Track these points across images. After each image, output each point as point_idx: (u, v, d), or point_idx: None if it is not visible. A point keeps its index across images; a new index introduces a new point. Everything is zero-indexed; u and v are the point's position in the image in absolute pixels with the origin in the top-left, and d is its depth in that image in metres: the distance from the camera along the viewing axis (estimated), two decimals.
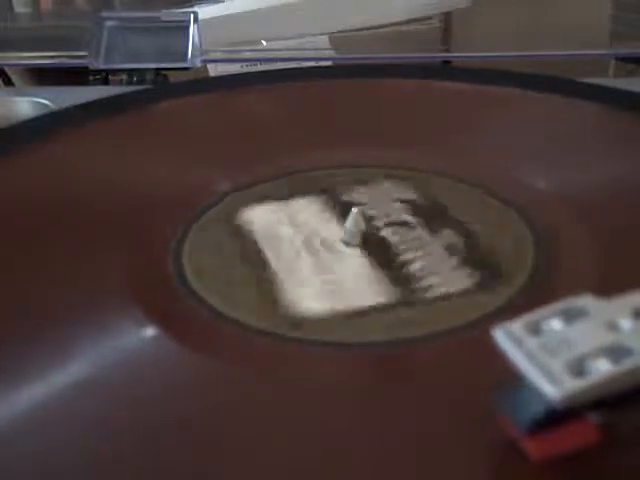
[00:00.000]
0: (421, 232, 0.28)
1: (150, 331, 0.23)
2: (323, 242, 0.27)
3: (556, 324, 0.18)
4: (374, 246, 0.27)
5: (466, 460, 0.19)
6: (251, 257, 0.27)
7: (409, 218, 0.28)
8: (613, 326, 0.18)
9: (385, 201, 0.29)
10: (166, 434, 0.20)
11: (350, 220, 0.27)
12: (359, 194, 0.30)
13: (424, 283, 0.25)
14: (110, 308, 0.24)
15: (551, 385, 0.17)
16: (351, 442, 0.20)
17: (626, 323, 0.18)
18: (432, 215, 0.29)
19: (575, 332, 0.18)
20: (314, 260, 0.26)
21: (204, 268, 0.26)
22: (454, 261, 0.26)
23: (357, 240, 0.27)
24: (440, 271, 0.26)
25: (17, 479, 0.19)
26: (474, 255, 0.26)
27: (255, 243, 0.27)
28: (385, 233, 0.28)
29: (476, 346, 0.21)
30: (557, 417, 0.17)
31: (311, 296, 0.25)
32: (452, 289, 0.25)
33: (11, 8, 0.61)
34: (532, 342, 0.18)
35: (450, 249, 0.27)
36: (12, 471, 0.19)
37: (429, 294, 0.25)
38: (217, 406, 0.21)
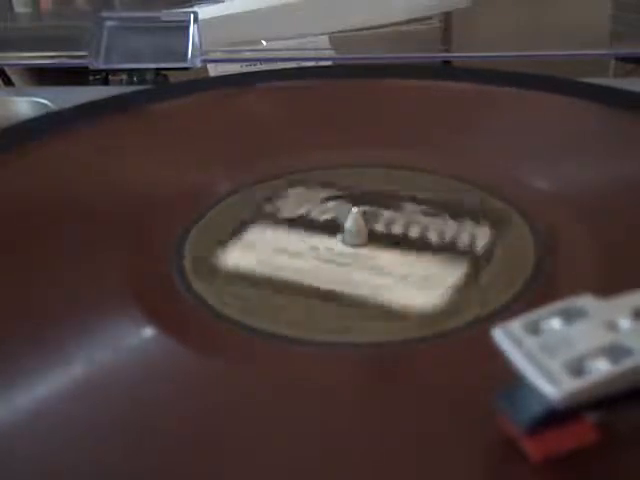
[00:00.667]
0: (389, 213, 0.28)
1: (150, 331, 0.23)
2: (335, 253, 0.27)
3: (555, 324, 0.18)
4: (378, 238, 0.27)
5: (466, 460, 0.19)
6: (273, 283, 0.26)
7: (363, 207, 0.28)
8: (612, 326, 0.18)
9: (320, 203, 0.29)
10: (166, 434, 0.20)
11: (350, 220, 0.27)
12: (290, 207, 0.29)
13: (461, 244, 0.26)
14: (110, 308, 0.24)
15: (550, 385, 0.17)
16: (351, 442, 0.20)
17: (625, 323, 0.18)
18: (374, 199, 0.29)
19: (574, 332, 0.18)
20: (355, 269, 0.26)
21: (204, 268, 0.26)
22: (449, 220, 0.27)
23: (363, 238, 0.27)
24: (457, 230, 0.27)
25: (17, 479, 0.19)
26: (458, 211, 0.27)
27: (262, 274, 0.26)
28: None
29: (476, 346, 0.21)
30: (556, 417, 0.17)
31: (412, 295, 0.24)
32: (487, 239, 0.26)
33: (11, 8, 0.61)
34: (531, 342, 0.18)
35: (431, 214, 0.28)
36: (12, 471, 0.19)
37: (479, 250, 0.26)
38: (217, 406, 0.21)
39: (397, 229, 0.27)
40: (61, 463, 0.19)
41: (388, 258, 0.26)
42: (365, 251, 0.27)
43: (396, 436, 0.20)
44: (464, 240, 0.27)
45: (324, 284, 0.25)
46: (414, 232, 0.27)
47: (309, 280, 0.25)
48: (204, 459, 0.19)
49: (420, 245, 0.27)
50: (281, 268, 0.26)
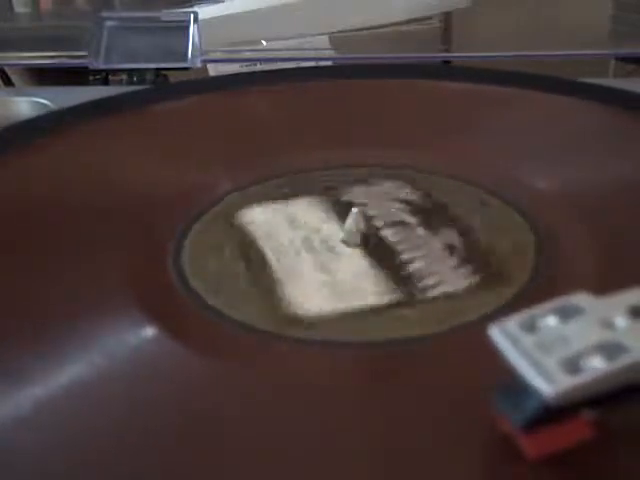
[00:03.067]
0: (421, 232, 0.28)
1: (150, 331, 0.23)
2: (323, 242, 0.27)
3: (551, 322, 0.18)
4: (374, 246, 0.27)
5: (465, 459, 0.19)
6: (251, 257, 0.27)
7: (408, 218, 0.28)
8: (608, 324, 0.18)
9: (384, 201, 0.29)
10: (166, 434, 0.20)
11: (350, 220, 0.27)
12: (358, 194, 0.30)
13: (424, 283, 0.25)
14: (110, 308, 0.24)
15: (545, 382, 0.17)
16: (351, 442, 0.20)
17: (621, 321, 0.18)
18: (432, 215, 0.29)
19: (570, 330, 0.18)
20: (314, 260, 0.26)
21: (204, 268, 0.26)
22: (454, 261, 0.26)
23: (357, 240, 0.27)
24: (440, 271, 0.26)
25: (17, 479, 0.19)
26: (474, 255, 0.26)
27: (255, 243, 0.27)
28: (385, 233, 0.28)
29: (476, 346, 0.21)
30: (552, 414, 0.17)
31: (312, 296, 0.25)
32: (452, 289, 0.25)
33: (11, 8, 0.61)
34: (527, 340, 0.18)
35: (450, 249, 0.27)
36: (13, 471, 0.19)
37: (429, 294, 0.25)
38: (217, 406, 0.21)
39: (400, 247, 0.27)
40: (61, 463, 0.19)
41: (349, 264, 0.26)
42: (345, 250, 0.27)
43: (396, 436, 0.20)
44: (430, 282, 0.25)
45: (276, 261, 0.26)
46: (407, 256, 0.27)
47: (271, 254, 0.27)
48: (204, 459, 0.19)
49: (392, 269, 0.26)
50: (267, 233, 0.28)
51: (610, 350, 0.17)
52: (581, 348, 0.17)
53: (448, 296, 0.25)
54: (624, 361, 0.17)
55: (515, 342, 0.18)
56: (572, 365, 0.17)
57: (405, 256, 0.26)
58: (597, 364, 0.17)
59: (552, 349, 0.17)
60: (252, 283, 0.25)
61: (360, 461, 0.19)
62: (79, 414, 0.21)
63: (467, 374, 0.21)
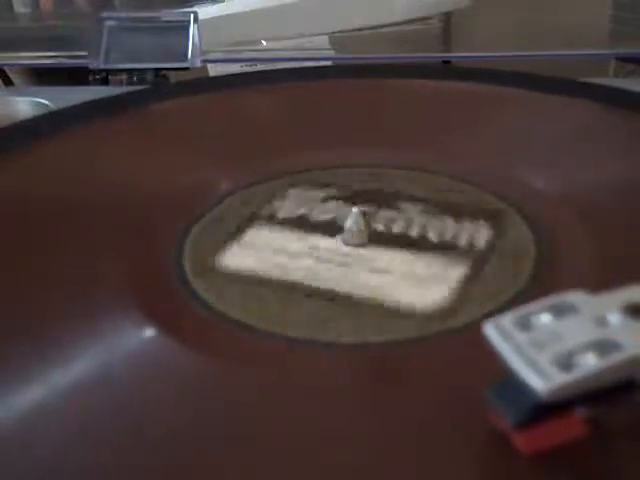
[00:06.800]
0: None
1: (150, 331, 0.23)
2: (332, 251, 0.27)
3: (545, 319, 0.18)
4: (376, 238, 0.27)
5: (463, 457, 0.19)
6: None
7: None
8: (602, 321, 0.18)
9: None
10: (166, 434, 0.20)
11: (350, 220, 0.27)
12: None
13: (461, 242, 0.26)
14: (110, 308, 0.24)
15: (538, 378, 0.17)
16: (351, 441, 0.20)
17: (615, 318, 0.18)
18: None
19: (564, 327, 0.18)
20: (346, 267, 0.26)
21: (205, 268, 0.26)
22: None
23: (362, 239, 0.27)
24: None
25: (17, 478, 0.19)
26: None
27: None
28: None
29: (475, 346, 0.21)
30: (545, 411, 0.18)
31: (413, 293, 0.24)
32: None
33: (11, 8, 0.61)
34: (521, 336, 0.18)
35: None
36: (13, 472, 0.19)
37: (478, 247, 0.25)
38: (217, 406, 0.21)
39: (397, 229, 0.27)
40: (61, 463, 0.19)
41: (388, 257, 0.26)
42: (365, 251, 0.27)
43: (395, 436, 0.20)
44: (464, 239, 0.27)
45: (324, 284, 0.25)
46: (414, 232, 0.27)
47: (309, 280, 0.25)
48: (204, 459, 0.19)
49: (420, 244, 0.27)
50: (281, 268, 0.26)
51: (603, 347, 0.17)
52: (575, 345, 0.18)
53: (492, 243, 0.25)
54: (617, 358, 0.17)
55: (509, 339, 0.18)
56: (565, 362, 0.17)
57: (413, 233, 0.27)
58: (590, 361, 0.17)
59: (546, 346, 0.18)
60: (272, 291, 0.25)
61: (360, 461, 0.19)
62: (78, 415, 0.21)
63: (466, 373, 0.21)
